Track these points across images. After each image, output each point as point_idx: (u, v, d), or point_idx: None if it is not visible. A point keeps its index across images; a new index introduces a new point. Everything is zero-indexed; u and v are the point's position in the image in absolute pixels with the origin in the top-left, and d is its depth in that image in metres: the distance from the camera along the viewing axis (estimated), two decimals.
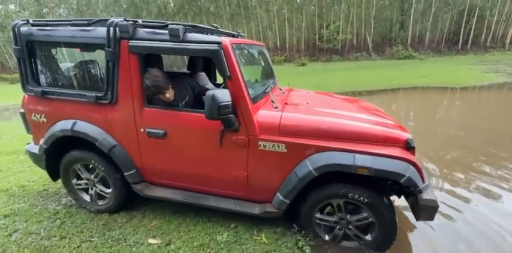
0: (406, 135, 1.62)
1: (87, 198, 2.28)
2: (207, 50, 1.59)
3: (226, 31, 2.19)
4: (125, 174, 2.01)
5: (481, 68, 11.60)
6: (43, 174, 2.88)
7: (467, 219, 2.20)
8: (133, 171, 2.01)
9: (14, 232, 2.06)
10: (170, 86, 1.81)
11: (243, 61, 1.87)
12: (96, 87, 1.94)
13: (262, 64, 2.49)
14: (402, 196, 1.85)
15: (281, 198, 1.72)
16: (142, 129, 1.85)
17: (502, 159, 3.24)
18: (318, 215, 1.79)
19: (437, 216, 2.16)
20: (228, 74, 1.59)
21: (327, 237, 1.84)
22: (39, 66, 2.00)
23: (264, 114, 1.72)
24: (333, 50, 20.83)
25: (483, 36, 19.72)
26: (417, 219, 1.63)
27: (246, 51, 2.05)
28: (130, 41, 1.69)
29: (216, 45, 1.58)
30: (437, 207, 1.55)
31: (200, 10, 21.99)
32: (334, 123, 1.67)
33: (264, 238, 1.89)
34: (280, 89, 2.54)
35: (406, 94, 7.48)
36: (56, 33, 1.81)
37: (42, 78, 2.02)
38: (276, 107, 1.82)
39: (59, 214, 2.27)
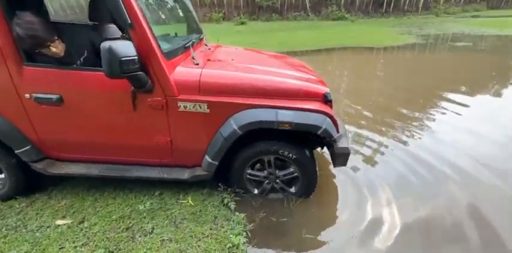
0: (324, 89, 1.66)
1: None
2: None
3: None
4: (16, 152, 1.63)
5: (398, 30, 12.88)
6: None
7: (383, 160, 2.49)
8: (28, 147, 1.65)
9: None
10: (56, 38, 1.39)
11: (151, 7, 1.54)
12: None
13: (181, 14, 2.13)
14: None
15: (209, 160, 1.66)
16: (27, 95, 1.48)
17: (411, 106, 3.81)
18: (249, 171, 1.82)
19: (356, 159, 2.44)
20: (129, 21, 1.31)
21: (256, 191, 1.92)
22: None
23: (182, 72, 1.54)
24: (272, 8, 20.02)
25: (402, 0, 21.51)
26: (334, 165, 1.79)
27: None
28: None
29: None
30: (349, 153, 1.70)
31: None
32: (257, 79, 1.60)
33: (190, 201, 1.86)
34: (206, 45, 2.27)
35: (335, 54, 7.93)
36: None
37: None
38: (197, 64, 1.63)
39: None
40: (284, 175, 1.84)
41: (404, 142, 2.81)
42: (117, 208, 1.81)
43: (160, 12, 1.83)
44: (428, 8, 22.13)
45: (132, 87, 1.41)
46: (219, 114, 1.56)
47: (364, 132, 3.00)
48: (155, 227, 1.66)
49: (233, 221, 1.70)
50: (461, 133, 2.96)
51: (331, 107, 1.70)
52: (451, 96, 4.17)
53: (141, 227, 1.66)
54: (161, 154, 1.73)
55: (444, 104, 3.88)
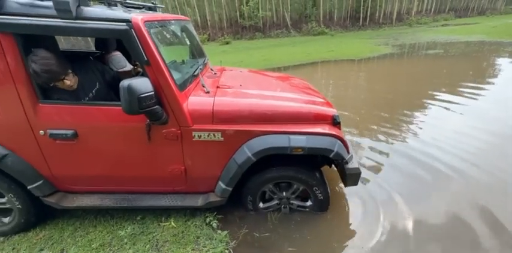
0: (332, 112, 1.70)
1: None
2: (113, 29, 1.27)
3: (139, 3, 1.81)
4: (29, 187, 1.61)
5: (375, 41, 13.58)
6: None
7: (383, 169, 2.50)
8: (40, 182, 1.63)
9: None
10: (69, 71, 1.42)
11: (164, 41, 1.57)
12: None
13: (188, 43, 2.19)
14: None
15: (223, 186, 1.66)
16: (42, 132, 1.48)
17: (399, 110, 3.96)
18: (271, 186, 1.81)
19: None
20: (146, 59, 1.34)
21: (261, 205, 1.91)
22: None
23: (195, 102, 1.55)
24: (255, 28, 20.93)
25: (377, 14, 22.92)
26: (345, 185, 1.80)
27: (165, 28, 1.73)
28: None
29: (125, 23, 1.28)
30: (360, 173, 1.71)
31: None
32: (268, 106, 1.63)
33: (172, 223, 1.85)
34: (212, 70, 2.28)
35: (318, 67, 8.23)
36: None
37: None
38: (208, 92, 1.65)
39: None
40: (298, 206, 1.91)
41: (399, 145, 2.88)
42: (97, 236, 1.78)
43: (170, 40, 1.84)
44: (401, 19, 23.59)
45: (148, 120, 1.43)
46: (233, 141, 1.56)
47: (359, 139, 3.09)
48: None
49: (215, 240, 1.69)
50: (452, 133, 3.12)
51: (339, 128, 1.73)
52: (432, 98, 4.42)
53: None
54: (175, 182, 1.72)
55: (428, 106, 4.10)
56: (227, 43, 17.26)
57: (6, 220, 1.80)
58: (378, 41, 13.73)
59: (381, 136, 3.17)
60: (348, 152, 1.70)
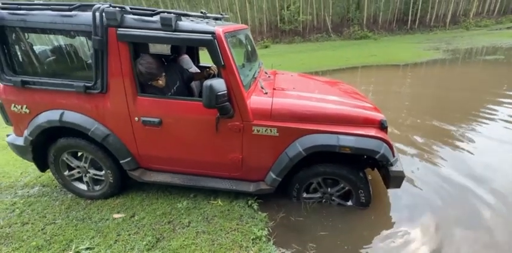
0: (380, 117, 1.84)
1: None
2: (201, 39, 1.59)
3: (213, 15, 2.20)
4: (121, 162, 2.04)
5: (424, 46, 12.74)
6: None
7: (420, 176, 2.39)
8: (129, 158, 2.02)
9: None
10: (164, 74, 1.82)
11: (234, 47, 1.83)
12: (82, 76, 1.88)
13: (249, 48, 2.51)
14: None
15: (273, 176, 1.88)
16: (136, 118, 1.84)
17: (445, 120, 3.86)
18: (320, 179, 1.99)
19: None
20: (223, 63, 1.62)
21: (304, 195, 2.10)
22: (15, 54, 1.84)
23: (256, 101, 1.81)
24: (294, 32, 21.06)
25: (428, 16, 21.35)
26: (387, 187, 1.93)
27: (235, 37, 2.02)
28: (119, 29, 1.62)
29: (210, 35, 1.58)
30: (404, 177, 1.82)
31: None
32: (320, 107, 1.83)
33: (219, 202, 2.16)
34: (266, 73, 2.54)
35: (358, 72, 8.09)
36: (33, 18, 1.66)
37: (20, 67, 1.87)
38: (266, 93, 1.91)
39: (17, 205, 2.29)
40: (338, 203, 2.08)
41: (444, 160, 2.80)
42: (160, 206, 2.16)
43: (237, 46, 2.12)
44: (456, 22, 21.59)
45: (218, 114, 1.69)
46: (286, 137, 1.77)
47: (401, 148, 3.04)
48: (191, 222, 1.96)
49: (256, 219, 1.95)
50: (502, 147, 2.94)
51: (386, 132, 1.85)
52: (484, 110, 4.15)
53: (180, 221, 1.98)
54: (232, 169, 1.97)
55: (478, 117, 3.88)
56: (266, 47, 17.68)
57: (97, 188, 2.29)
58: (428, 45, 12.87)
59: (429, 145, 3.11)
60: (393, 155, 1.80)
